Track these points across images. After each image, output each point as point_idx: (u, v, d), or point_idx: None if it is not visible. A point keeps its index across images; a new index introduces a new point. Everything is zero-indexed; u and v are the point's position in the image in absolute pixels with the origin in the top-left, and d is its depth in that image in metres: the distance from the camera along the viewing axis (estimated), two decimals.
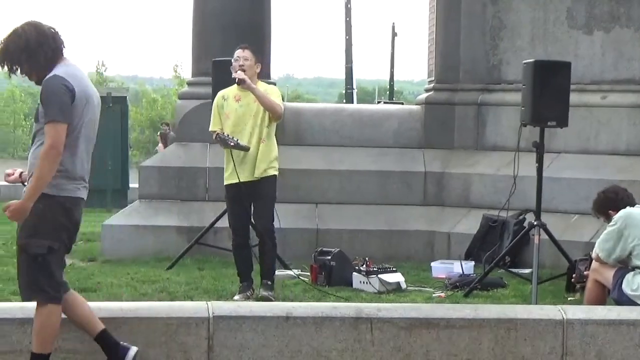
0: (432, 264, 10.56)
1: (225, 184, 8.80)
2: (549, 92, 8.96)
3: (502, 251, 10.10)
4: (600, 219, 8.05)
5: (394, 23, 41.93)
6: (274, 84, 11.55)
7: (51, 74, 5.63)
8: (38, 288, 5.63)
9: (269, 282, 8.62)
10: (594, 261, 7.75)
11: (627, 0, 11.37)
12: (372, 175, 11.90)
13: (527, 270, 9.91)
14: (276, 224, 8.98)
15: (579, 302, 8.09)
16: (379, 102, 37.67)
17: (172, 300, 8.38)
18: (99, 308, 6.23)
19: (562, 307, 6.69)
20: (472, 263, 10.37)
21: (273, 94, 8.79)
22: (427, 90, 12.88)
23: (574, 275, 8.60)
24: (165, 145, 25.31)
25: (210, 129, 8.79)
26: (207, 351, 6.16)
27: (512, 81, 11.63)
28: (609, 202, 7.83)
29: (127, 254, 11.14)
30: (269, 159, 8.66)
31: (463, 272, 9.80)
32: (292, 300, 8.31)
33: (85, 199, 5.79)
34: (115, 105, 21.00)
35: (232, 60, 8.80)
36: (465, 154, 12.08)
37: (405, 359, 6.32)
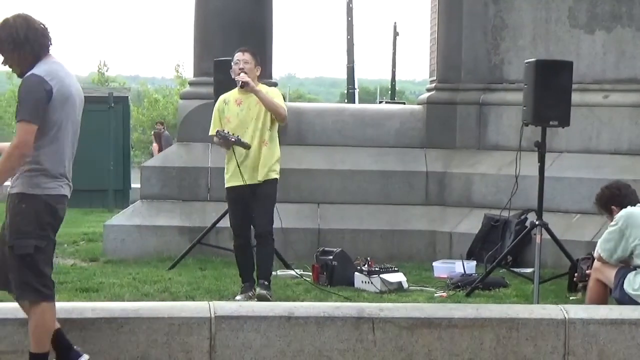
0: (434, 263, 10.55)
1: (226, 186, 8.80)
2: (551, 91, 8.95)
3: (504, 251, 10.10)
4: (603, 214, 8.03)
5: (395, 23, 42.08)
6: (276, 84, 11.57)
7: (31, 72, 5.62)
8: (30, 287, 5.64)
9: (266, 283, 8.61)
10: (595, 260, 7.75)
11: None
12: (373, 175, 11.90)
13: (528, 270, 9.91)
14: (277, 224, 8.97)
15: (581, 302, 8.09)
16: (380, 102, 37.69)
17: (174, 300, 8.38)
18: (101, 308, 6.24)
19: (564, 307, 6.69)
20: (474, 263, 10.37)
21: (275, 96, 8.77)
22: (428, 90, 12.88)
23: (575, 274, 8.60)
24: (159, 145, 25.34)
25: (210, 134, 8.77)
26: (209, 351, 6.16)
27: (514, 81, 11.64)
28: (612, 197, 7.81)
29: (129, 254, 11.15)
30: (271, 163, 8.65)
31: (465, 271, 9.79)
32: (294, 300, 8.31)
33: (68, 196, 5.79)
34: (117, 105, 20.99)
35: (232, 64, 8.78)
36: (467, 153, 12.08)
37: (407, 358, 6.32)
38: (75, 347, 5.84)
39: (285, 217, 9.82)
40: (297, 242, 11.05)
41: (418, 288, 9.49)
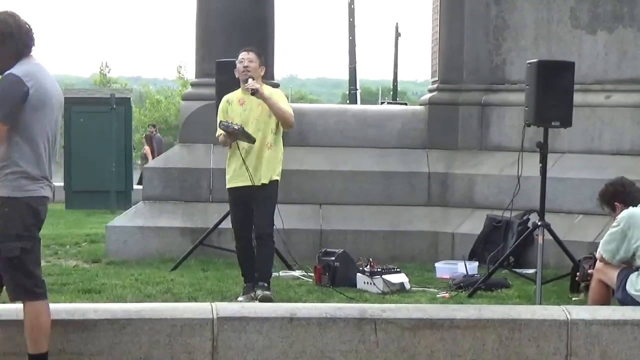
0: (436, 264, 10.55)
1: (227, 187, 8.80)
2: (553, 92, 8.95)
3: (506, 251, 10.10)
4: (605, 210, 8.00)
5: (397, 23, 42.18)
6: (278, 85, 11.56)
7: (10, 72, 5.62)
8: (21, 289, 5.68)
9: (265, 284, 8.61)
10: (598, 261, 7.74)
11: None
12: (375, 176, 11.89)
13: (531, 271, 9.91)
14: (279, 225, 8.97)
15: (583, 303, 8.08)
16: (382, 103, 37.67)
17: (176, 301, 8.39)
18: (103, 310, 6.24)
19: (566, 308, 6.68)
20: (476, 263, 10.36)
21: (280, 99, 8.77)
22: (430, 91, 12.88)
23: (578, 274, 8.60)
24: (151, 147, 25.39)
25: (216, 135, 8.76)
26: (212, 352, 6.16)
27: (516, 81, 11.63)
28: (617, 193, 7.79)
29: (131, 255, 11.15)
30: (273, 166, 8.66)
31: (467, 272, 9.79)
32: (296, 302, 8.31)
33: (49, 197, 5.80)
34: (119, 106, 20.94)
35: (237, 62, 8.77)
36: (469, 154, 12.07)
37: (410, 359, 6.32)
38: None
39: (287, 218, 9.82)
40: (299, 243, 11.04)
41: (420, 289, 9.49)
